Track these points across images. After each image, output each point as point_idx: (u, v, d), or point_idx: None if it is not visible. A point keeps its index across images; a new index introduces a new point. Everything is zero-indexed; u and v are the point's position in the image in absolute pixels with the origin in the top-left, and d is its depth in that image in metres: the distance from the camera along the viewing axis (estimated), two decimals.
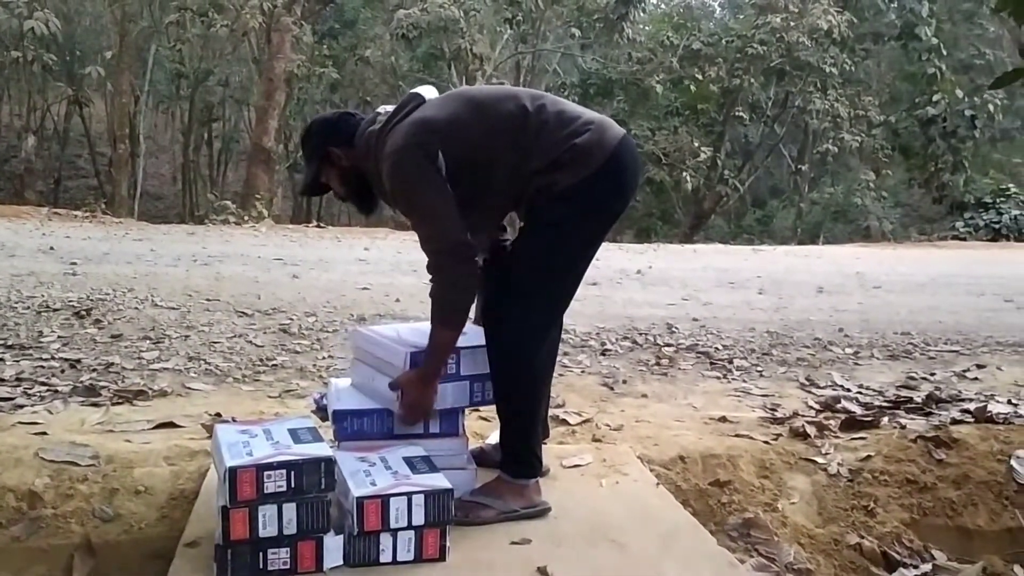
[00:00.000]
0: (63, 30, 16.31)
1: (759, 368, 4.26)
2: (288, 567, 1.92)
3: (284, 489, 1.89)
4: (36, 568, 2.26)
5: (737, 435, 3.16)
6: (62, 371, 3.60)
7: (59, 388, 3.35)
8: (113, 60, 17.47)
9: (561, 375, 3.83)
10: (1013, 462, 3.07)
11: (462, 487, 2.22)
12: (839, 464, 3.02)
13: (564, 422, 3.17)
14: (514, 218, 2.45)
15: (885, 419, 3.42)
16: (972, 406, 3.56)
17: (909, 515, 2.86)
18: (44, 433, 2.76)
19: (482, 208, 2.23)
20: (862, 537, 2.73)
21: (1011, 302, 6.56)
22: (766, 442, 3.10)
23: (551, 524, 2.24)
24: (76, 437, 2.74)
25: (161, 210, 22.94)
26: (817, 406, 3.60)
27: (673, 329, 4.99)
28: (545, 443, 2.54)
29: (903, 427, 3.31)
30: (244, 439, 2.02)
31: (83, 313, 4.55)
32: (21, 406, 3.13)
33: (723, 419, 3.34)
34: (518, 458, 2.29)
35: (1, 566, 2.25)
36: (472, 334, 2.24)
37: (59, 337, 4.11)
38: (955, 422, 3.37)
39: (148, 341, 4.13)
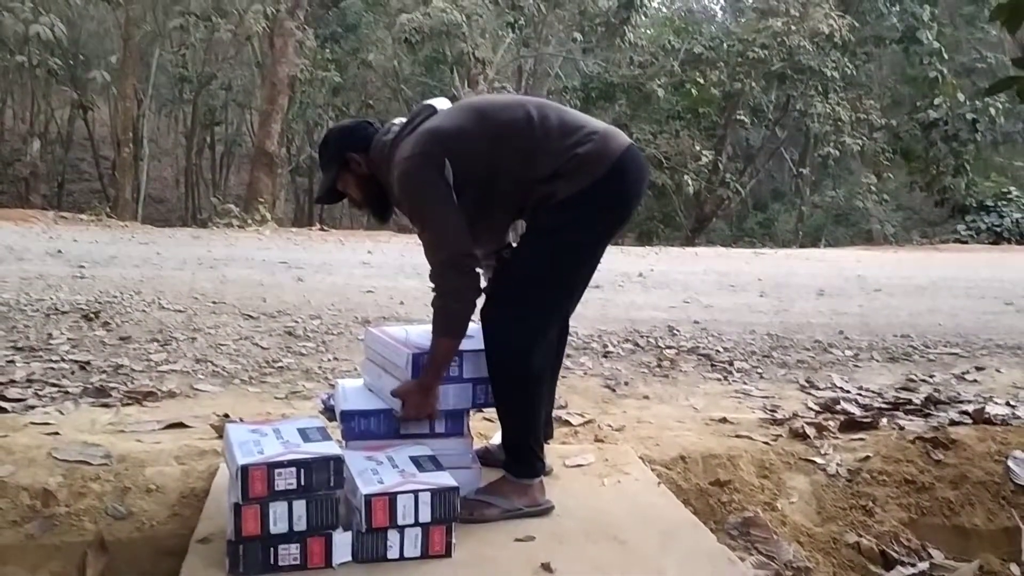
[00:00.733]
0: (67, 35, 16.38)
1: (759, 370, 4.31)
2: (298, 563, 1.97)
3: (294, 486, 1.94)
4: (50, 565, 2.31)
5: (737, 436, 3.20)
6: (72, 373, 3.65)
7: (69, 389, 3.40)
8: (117, 65, 17.54)
9: (564, 377, 3.86)
10: (1010, 463, 3.11)
11: (467, 486, 2.27)
12: (838, 464, 3.06)
13: (567, 423, 3.22)
14: (519, 228, 2.50)
15: (884, 420, 3.47)
16: (970, 408, 3.61)
17: (907, 514, 2.90)
18: (56, 433, 2.82)
19: (487, 219, 2.28)
20: (860, 536, 2.77)
21: (1011, 305, 6.60)
22: (766, 443, 3.14)
23: (554, 522, 2.29)
24: (88, 437, 2.79)
25: (163, 213, 23.01)
26: (816, 407, 3.65)
27: (674, 332, 5.04)
28: (548, 443, 2.59)
29: (902, 428, 3.36)
30: (255, 438, 2.06)
31: (91, 316, 4.60)
32: (32, 407, 3.18)
33: (724, 420, 3.39)
34: (520, 458, 2.34)
35: (16, 563, 2.30)
36: (476, 337, 2.28)
37: (68, 339, 4.16)
38: (953, 423, 3.42)
39: (156, 343, 4.18)
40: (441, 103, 2.39)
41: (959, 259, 11.75)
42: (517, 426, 2.34)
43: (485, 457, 2.54)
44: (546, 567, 2.00)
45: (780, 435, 3.24)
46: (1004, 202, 18.07)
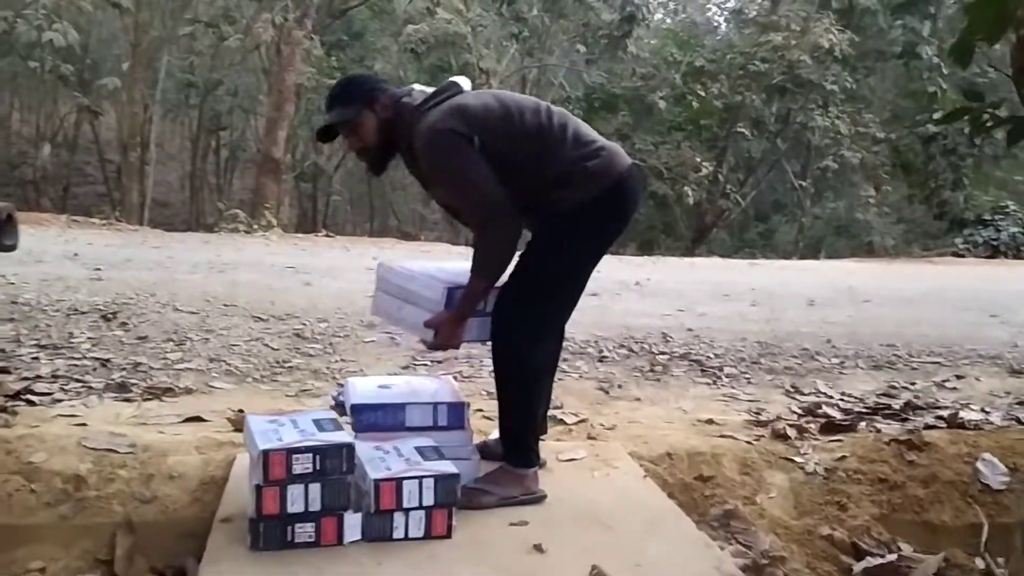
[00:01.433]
0: (78, 41, 16.64)
1: (747, 376, 4.50)
2: (313, 540, 2.16)
3: (310, 471, 2.14)
4: (82, 543, 2.51)
5: (722, 436, 3.39)
6: (94, 369, 3.85)
7: (93, 385, 3.60)
8: (127, 70, 17.80)
9: (560, 380, 4.05)
10: (979, 464, 3.30)
11: (466, 475, 2.46)
12: (816, 463, 3.25)
13: (561, 422, 3.42)
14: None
15: (862, 424, 3.66)
16: (946, 413, 3.80)
17: (879, 510, 3.09)
18: (84, 424, 3.02)
19: None
20: (834, 529, 2.95)
21: (996, 317, 6.79)
22: (748, 442, 3.33)
23: (546, 509, 2.48)
24: (113, 428, 2.99)
25: (167, 217, 23.23)
26: (799, 411, 3.84)
27: (668, 338, 5.23)
28: (543, 439, 2.78)
29: (878, 431, 3.55)
30: (274, 427, 2.26)
31: (110, 316, 4.81)
32: (59, 400, 3.38)
33: (710, 421, 3.58)
34: (517, 449, 2.53)
35: (51, 541, 2.50)
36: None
37: (89, 338, 4.37)
38: (928, 427, 3.61)
39: (171, 343, 4.39)
40: (464, 82, 2.51)
41: (951, 272, 11.95)
42: (515, 420, 2.53)
43: (483, 451, 2.73)
44: (538, 547, 2.20)
45: (763, 436, 3.44)
46: (1001, 216, 18.26)
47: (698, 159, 18.05)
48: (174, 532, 2.57)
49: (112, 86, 16.92)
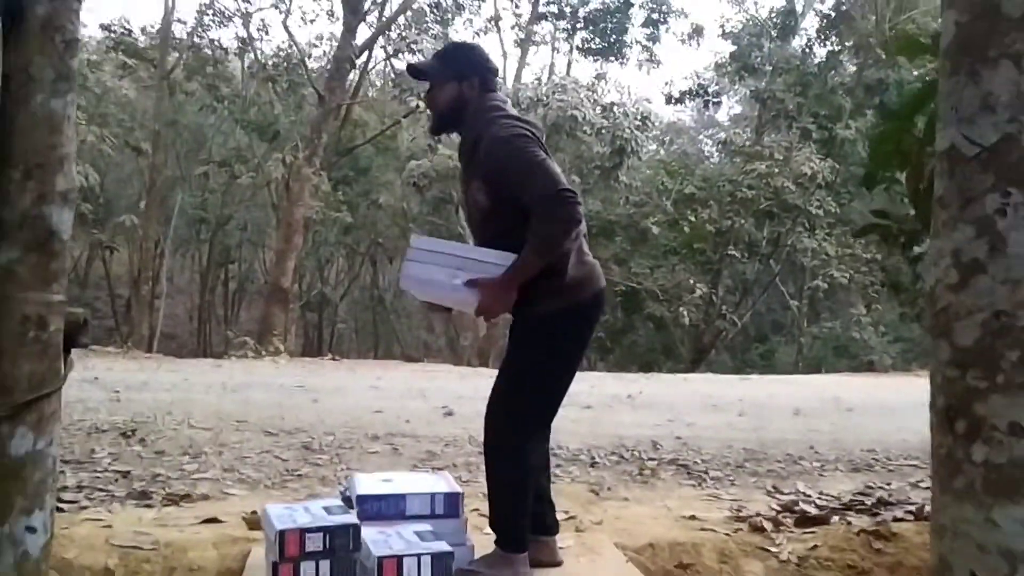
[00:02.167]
0: (98, 182, 17.52)
1: (732, 478, 4.75)
2: None
3: (321, 548, 2.42)
4: None
5: (703, 529, 3.64)
6: (115, 480, 4.13)
7: (116, 493, 3.88)
8: (143, 209, 18.66)
9: (553, 483, 4.31)
10: None
11: (461, 560, 2.72)
12: (789, 552, 3.48)
13: None
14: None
15: (836, 517, 3.91)
16: (915, 507, 4.05)
17: None
18: (109, 526, 3.28)
19: (488, 230, 2.66)
20: None
21: None
22: (727, 534, 3.57)
23: None
24: (137, 529, 3.25)
25: (174, 348, 23.66)
26: (778, 507, 4.08)
27: (657, 446, 5.50)
28: (557, 538, 3.01)
29: (850, 523, 3.80)
30: (289, 512, 2.55)
31: (128, 433, 5.11)
32: (85, 507, 3.65)
33: (692, 517, 3.83)
34: (507, 534, 2.78)
35: None
36: None
37: (109, 453, 4.66)
38: (897, 519, 3.85)
39: (187, 456, 4.67)
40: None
41: None
42: (509, 505, 2.76)
43: None
44: None
45: (741, 528, 3.68)
46: None
47: (692, 281, 18.60)
48: None
49: (128, 223, 17.69)
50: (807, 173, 16.97)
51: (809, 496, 4.37)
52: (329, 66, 15.90)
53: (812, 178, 17.17)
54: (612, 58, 22.33)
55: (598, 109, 16.01)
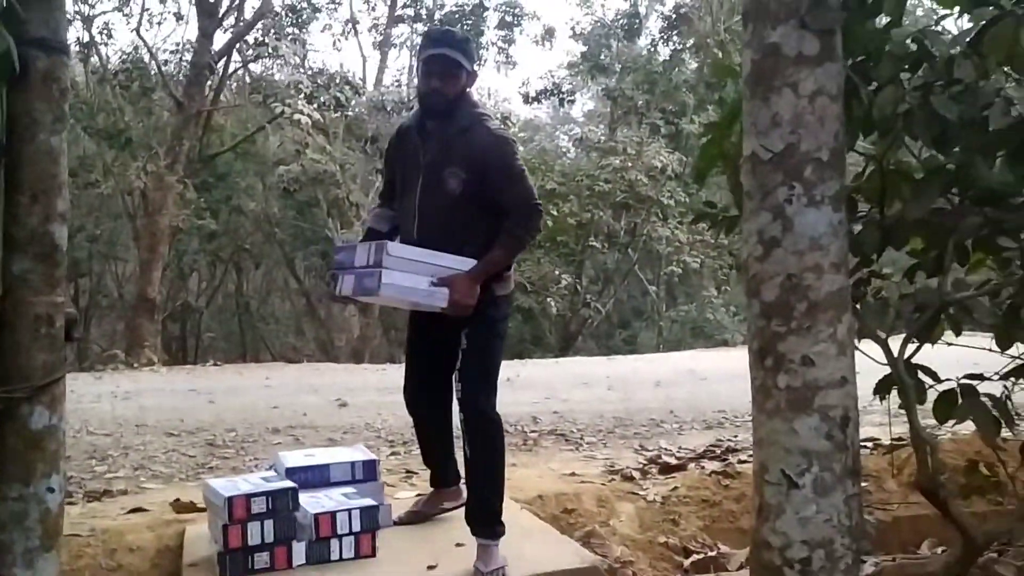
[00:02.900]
0: None
1: (604, 441, 5.37)
2: (268, 566, 2.81)
3: (265, 510, 2.81)
4: None
5: (582, 482, 4.22)
6: None
7: None
8: None
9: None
10: None
11: (383, 518, 3.16)
12: (655, 494, 4.11)
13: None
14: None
15: (692, 464, 4.59)
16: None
17: (703, 523, 3.96)
18: None
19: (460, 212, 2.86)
20: (668, 538, 3.80)
21: None
22: (603, 484, 4.17)
23: (448, 531, 3.20)
24: (70, 521, 3.50)
25: None
26: (644, 461, 4.73)
27: (537, 419, 6.08)
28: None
29: (703, 468, 4.48)
30: (231, 483, 2.93)
31: None
32: None
33: (572, 474, 4.41)
34: (493, 520, 2.89)
35: None
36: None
37: None
38: (741, 462, 4.57)
39: (94, 460, 4.85)
40: None
41: None
42: (495, 489, 2.92)
43: (414, 516, 3.35)
44: (460, 545, 2.92)
45: (614, 479, 4.29)
46: None
47: (558, 272, 19.43)
48: None
49: None
50: (658, 166, 18.11)
51: (670, 450, 5.04)
52: (187, 72, 15.67)
53: (662, 170, 18.32)
54: None
55: None
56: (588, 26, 22.96)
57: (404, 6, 22.14)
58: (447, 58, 2.80)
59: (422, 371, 3.16)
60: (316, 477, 3.20)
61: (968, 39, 2.32)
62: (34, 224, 1.92)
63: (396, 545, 3.08)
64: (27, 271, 1.92)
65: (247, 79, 19.48)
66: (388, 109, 15.41)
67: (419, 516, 3.38)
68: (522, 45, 58.69)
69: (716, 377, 7.96)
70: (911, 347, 2.66)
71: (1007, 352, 2.70)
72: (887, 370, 2.63)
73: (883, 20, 2.50)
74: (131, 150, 16.58)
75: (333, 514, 2.89)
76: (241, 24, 16.54)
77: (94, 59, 18.62)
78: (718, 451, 4.91)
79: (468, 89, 2.90)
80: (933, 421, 2.66)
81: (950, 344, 2.77)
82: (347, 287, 2.80)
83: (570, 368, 9.85)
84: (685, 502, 4.07)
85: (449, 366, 2.92)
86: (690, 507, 4.04)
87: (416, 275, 2.73)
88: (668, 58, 22.37)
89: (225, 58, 16.39)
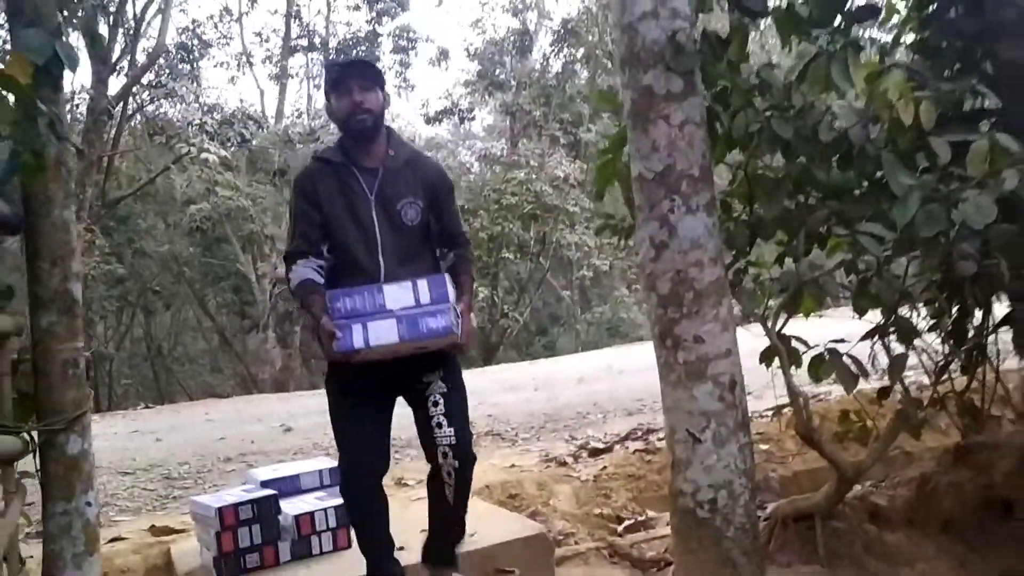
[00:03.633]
0: None
1: (537, 436, 5.89)
2: (259, 564, 3.19)
3: (251, 516, 3.19)
4: None
5: (522, 471, 4.71)
6: None
7: None
8: None
9: (399, 460, 5.23)
10: None
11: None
12: (587, 474, 4.64)
13: (407, 484, 4.58)
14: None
15: (618, 446, 5.14)
16: None
17: (631, 494, 4.50)
18: (30, 556, 3.79)
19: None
20: (602, 510, 4.32)
21: None
22: (540, 471, 4.67)
23: (408, 522, 3.64)
24: None
25: None
26: (575, 448, 5.26)
27: (473, 423, 6.53)
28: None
29: (628, 448, 5.04)
30: (216, 497, 3.30)
31: None
32: None
33: (512, 465, 4.89)
34: (455, 551, 2.96)
35: None
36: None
37: None
38: (660, 439, 5.14)
39: None
40: None
41: None
42: (462, 520, 2.90)
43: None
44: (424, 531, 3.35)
45: (550, 465, 4.80)
46: None
47: (475, 286, 19.92)
48: None
49: None
50: (561, 175, 18.84)
51: (597, 437, 5.59)
52: (85, 119, 15.56)
53: (565, 179, 19.06)
54: None
55: None
56: (481, 45, 23.57)
57: (298, 36, 22.31)
58: (364, 69, 2.72)
59: (383, 432, 2.79)
60: (289, 486, 3.58)
61: (797, 73, 2.92)
62: (56, 284, 2.31)
63: None
64: (53, 323, 2.30)
65: (144, 120, 19.36)
66: (294, 140, 15.64)
67: None
68: (418, 67, 59.03)
69: (633, 370, 8.56)
70: (788, 321, 3.25)
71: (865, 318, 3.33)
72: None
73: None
74: None
75: (312, 514, 3.30)
76: (136, 67, 16.48)
77: None
78: (640, 433, 5.48)
79: (386, 106, 2.75)
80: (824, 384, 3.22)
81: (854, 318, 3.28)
82: (378, 336, 2.46)
83: (496, 376, 10.35)
84: (614, 478, 4.60)
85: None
86: (619, 482, 4.57)
87: (418, 317, 2.52)
88: (560, 71, 23.21)
89: (122, 102, 16.31)
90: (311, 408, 7.96)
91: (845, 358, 3.17)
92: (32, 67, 2.07)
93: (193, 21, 19.58)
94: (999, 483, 3.68)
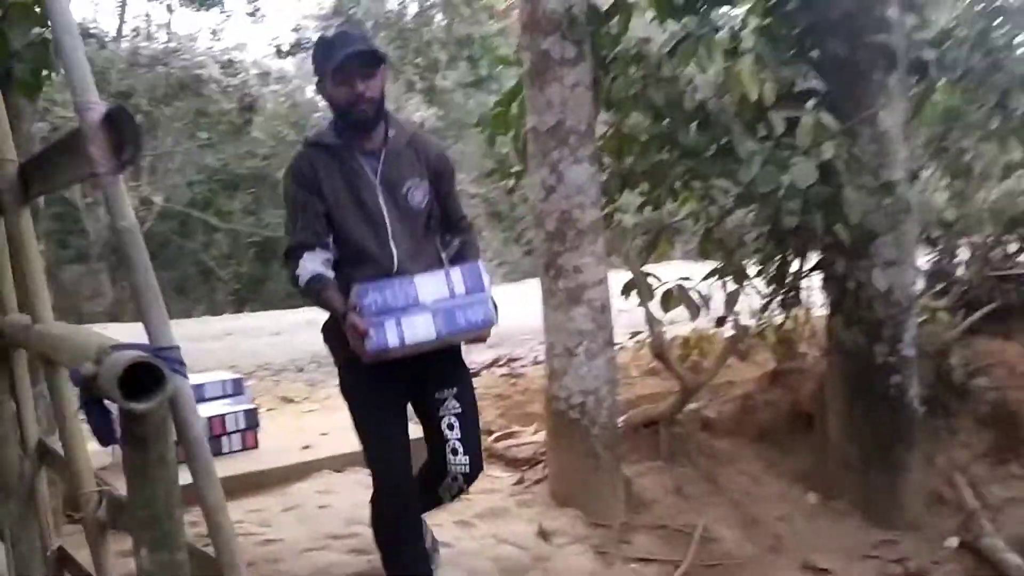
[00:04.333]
0: None
1: None
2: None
3: None
4: None
5: None
6: None
7: None
8: None
9: (277, 383, 5.55)
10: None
11: (251, 420, 3.87)
12: None
13: (292, 400, 4.92)
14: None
15: (484, 371, 5.69)
16: (530, 359, 5.97)
17: (499, 411, 5.06)
18: None
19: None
20: None
21: None
22: None
23: None
24: None
25: None
26: None
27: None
28: None
29: (494, 372, 5.59)
30: None
31: None
32: None
33: None
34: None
35: None
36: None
37: None
38: (522, 367, 5.73)
39: None
40: None
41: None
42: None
43: None
44: (324, 434, 3.75)
45: None
46: None
47: None
48: None
49: None
50: (417, 121, 19.02)
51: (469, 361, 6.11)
52: None
53: (422, 125, 19.27)
54: (214, 7, 22.27)
55: (218, 67, 16.42)
56: None
57: None
58: (367, 54, 2.32)
59: (405, 449, 2.44)
60: (195, 394, 3.86)
61: (669, 48, 3.47)
62: None
63: (275, 437, 3.86)
64: None
65: None
66: (145, 65, 14.99)
67: None
68: None
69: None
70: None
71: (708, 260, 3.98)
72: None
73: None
74: None
75: (223, 416, 3.62)
76: None
77: None
78: (503, 361, 6.05)
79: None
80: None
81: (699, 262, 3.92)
82: (414, 332, 2.18)
83: None
84: (483, 398, 5.13)
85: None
86: (488, 401, 5.11)
87: (453, 310, 2.27)
88: (417, 14, 23.16)
89: None
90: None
91: (691, 293, 3.81)
92: None
93: None
94: (804, 401, 4.51)
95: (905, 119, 4.01)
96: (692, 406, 4.30)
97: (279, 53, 24.09)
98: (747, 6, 4.19)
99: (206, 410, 3.66)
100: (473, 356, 6.42)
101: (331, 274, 2.32)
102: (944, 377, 4.58)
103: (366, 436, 2.40)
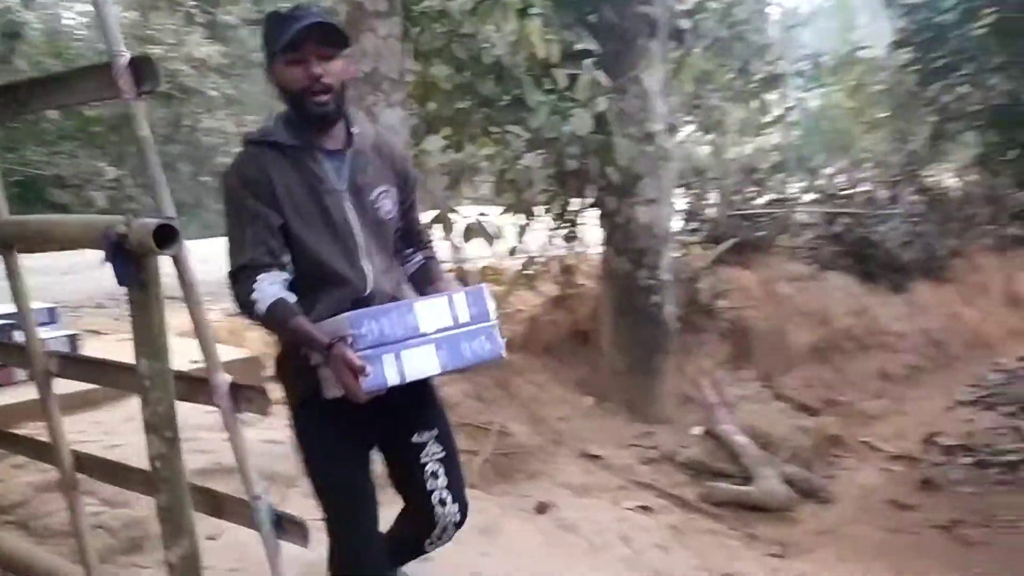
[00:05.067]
0: None
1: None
2: None
3: None
4: None
5: None
6: None
7: None
8: None
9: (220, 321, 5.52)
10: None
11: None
12: None
13: None
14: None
15: None
16: None
17: None
18: None
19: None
20: None
21: None
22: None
23: None
24: None
25: None
26: None
27: None
28: None
29: None
30: None
31: None
32: None
33: None
34: None
35: None
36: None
37: None
38: None
39: None
40: None
41: None
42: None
43: None
44: None
45: None
46: None
47: (101, 165, 18.69)
48: None
49: None
50: (200, 57, 18.23)
51: None
52: None
53: (204, 62, 18.49)
54: None
55: None
56: None
57: None
58: (326, 27, 1.91)
59: (375, 505, 2.06)
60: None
61: (470, 7, 3.93)
62: None
63: None
64: None
65: None
66: None
67: None
68: None
69: None
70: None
71: (502, 202, 4.54)
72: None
73: None
74: None
75: (46, 341, 3.73)
76: None
77: None
78: None
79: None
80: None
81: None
82: (414, 367, 1.87)
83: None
84: None
85: None
86: None
87: (471, 332, 1.98)
88: None
89: None
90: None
91: (486, 226, 4.36)
92: None
93: None
94: (582, 321, 5.26)
95: (665, 79, 4.76)
96: None
97: None
98: None
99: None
100: None
101: (293, 298, 1.87)
102: (694, 299, 5.49)
103: (328, 492, 2.02)
